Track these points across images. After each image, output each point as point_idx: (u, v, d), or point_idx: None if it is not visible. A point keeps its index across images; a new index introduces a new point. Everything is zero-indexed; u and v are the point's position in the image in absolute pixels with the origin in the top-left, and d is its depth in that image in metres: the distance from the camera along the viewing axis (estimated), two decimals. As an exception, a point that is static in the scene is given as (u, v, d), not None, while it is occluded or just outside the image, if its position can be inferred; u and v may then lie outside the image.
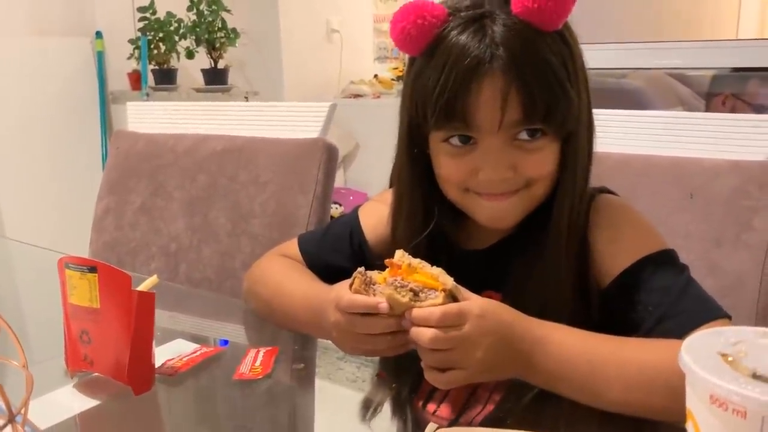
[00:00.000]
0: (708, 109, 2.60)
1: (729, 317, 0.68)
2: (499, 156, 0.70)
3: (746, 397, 0.36)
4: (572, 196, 0.73)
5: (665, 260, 0.73)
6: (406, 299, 0.62)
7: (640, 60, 2.52)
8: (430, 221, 0.78)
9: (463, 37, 0.69)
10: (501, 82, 0.67)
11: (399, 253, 0.65)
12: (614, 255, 0.74)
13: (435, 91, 0.69)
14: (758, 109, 2.40)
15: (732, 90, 2.47)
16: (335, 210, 3.28)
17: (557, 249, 0.73)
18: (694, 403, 0.40)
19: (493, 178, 0.71)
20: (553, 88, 0.68)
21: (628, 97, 2.65)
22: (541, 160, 0.71)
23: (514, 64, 0.67)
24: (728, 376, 0.38)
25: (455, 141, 0.72)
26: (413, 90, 0.73)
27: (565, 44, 0.71)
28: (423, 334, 0.61)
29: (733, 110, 2.43)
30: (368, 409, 0.72)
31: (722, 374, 0.38)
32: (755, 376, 0.38)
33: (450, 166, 0.74)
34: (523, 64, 0.67)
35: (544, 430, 0.59)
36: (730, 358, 0.40)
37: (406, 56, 0.76)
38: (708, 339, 0.42)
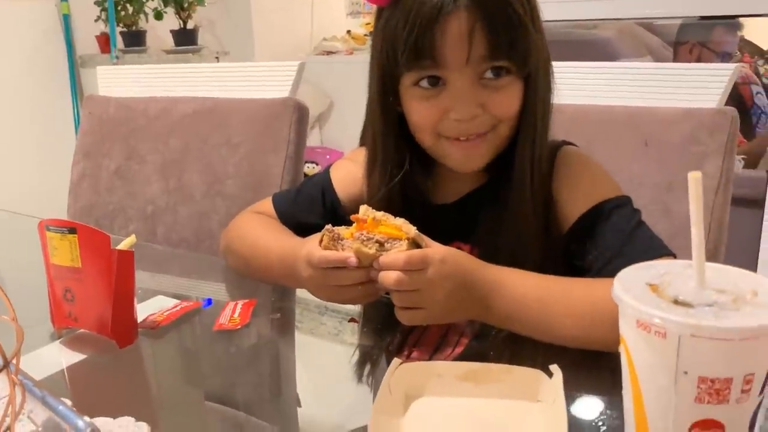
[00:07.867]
0: (676, 58, 2.63)
1: (674, 255, 0.73)
2: (467, 94, 0.74)
3: (665, 320, 0.40)
4: (533, 140, 0.77)
5: (619, 205, 0.77)
6: (372, 250, 0.66)
7: (609, 10, 2.53)
8: (402, 171, 0.81)
9: None
10: (466, 19, 0.71)
11: (363, 208, 0.69)
12: (573, 201, 0.78)
13: (404, 33, 0.73)
14: (723, 57, 2.44)
15: (698, 38, 2.50)
16: (311, 169, 3.29)
17: (522, 198, 0.77)
18: (624, 329, 0.45)
19: (464, 116, 0.74)
20: (514, 24, 0.72)
21: (598, 47, 2.67)
22: (507, 98, 0.75)
23: (477, 1, 0.71)
24: (652, 302, 0.42)
25: (425, 83, 0.75)
26: (383, 37, 0.77)
27: None
28: (389, 277, 0.65)
29: (699, 59, 2.47)
30: (346, 355, 0.76)
31: (647, 301, 0.42)
32: (676, 302, 0.42)
33: (421, 110, 0.77)
34: (486, 2, 0.71)
35: (502, 363, 0.64)
36: (657, 288, 0.44)
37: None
38: (638, 272, 0.47)
